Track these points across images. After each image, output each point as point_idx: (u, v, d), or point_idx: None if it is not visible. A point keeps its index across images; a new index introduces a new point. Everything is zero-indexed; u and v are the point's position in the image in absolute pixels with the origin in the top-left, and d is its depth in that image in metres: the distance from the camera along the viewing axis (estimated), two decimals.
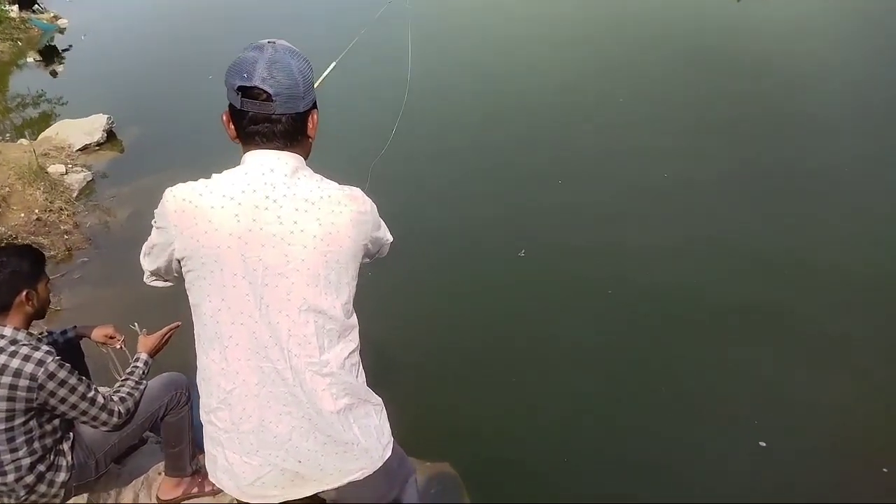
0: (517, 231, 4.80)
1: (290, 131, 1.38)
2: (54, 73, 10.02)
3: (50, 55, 10.73)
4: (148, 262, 1.52)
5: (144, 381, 2.40)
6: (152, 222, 1.45)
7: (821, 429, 3.25)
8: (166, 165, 6.06)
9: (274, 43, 1.36)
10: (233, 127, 1.40)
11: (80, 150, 6.54)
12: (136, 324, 2.71)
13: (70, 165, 6.11)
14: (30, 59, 10.57)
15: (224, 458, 1.47)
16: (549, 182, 5.39)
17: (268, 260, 1.33)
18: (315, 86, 1.45)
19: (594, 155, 5.78)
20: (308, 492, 1.46)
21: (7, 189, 5.22)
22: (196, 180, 1.40)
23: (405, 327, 3.93)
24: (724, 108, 6.39)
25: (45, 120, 7.91)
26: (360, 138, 5.09)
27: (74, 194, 5.68)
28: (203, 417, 1.51)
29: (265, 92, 1.32)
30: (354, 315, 1.48)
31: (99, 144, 6.67)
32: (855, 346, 3.65)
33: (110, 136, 6.85)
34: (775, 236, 4.57)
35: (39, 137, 6.68)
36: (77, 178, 5.88)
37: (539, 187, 5.33)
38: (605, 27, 8.89)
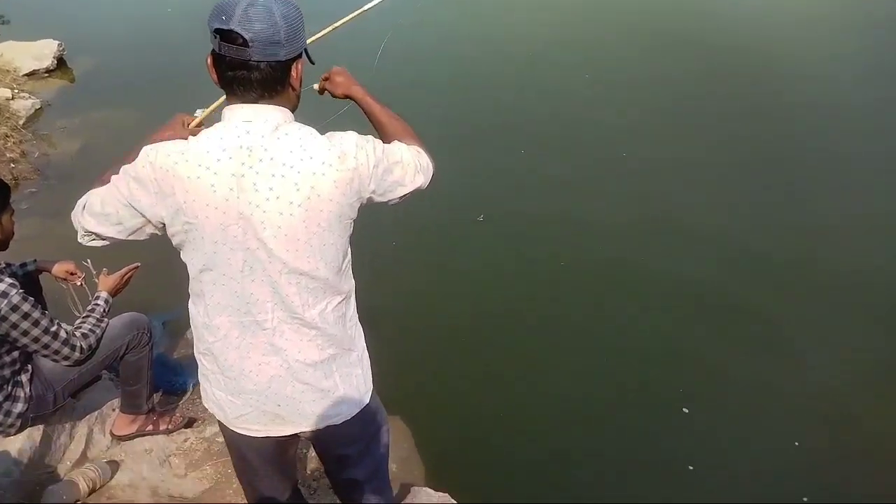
0: (477, 196, 4.89)
1: (268, 80, 1.31)
2: None
3: None
4: (94, 220, 1.43)
5: (106, 319, 2.41)
6: (114, 177, 1.39)
7: (749, 405, 3.48)
8: (119, 99, 5.88)
9: None
10: (214, 72, 1.35)
11: (27, 75, 6.22)
12: (88, 261, 2.70)
13: (16, 91, 5.82)
14: None
15: (212, 393, 1.55)
16: (512, 150, 5.48)
17: (245, 226, 1.32)
18: (309, 41, 1.40)
19: (557, 128, 5.88)
20: (289, 431, 1.54)
21: None
22: (174, 142, 1.35)
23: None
24: (690, 90, 6.53)
25: None
26: None
27: (21, 122, 5.44)
28: (195, 354, 1.57)
29: (241, 36, 1.25)
30: (345, 270, 1.47)
31: (48, 71, 6.35)
32: (798, 332, 3.89)
33: (60, 63, 6.53)
34: (728, 218, 4.78)
35: None
36: (24, 105, 5.61)
37: (501, 155, 5.42)
38: (579, 5, 8.91)
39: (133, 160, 1.38)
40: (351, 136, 1.39)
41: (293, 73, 1.36)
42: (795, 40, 7.72)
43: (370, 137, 1.43)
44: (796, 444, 3.27)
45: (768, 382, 3.58)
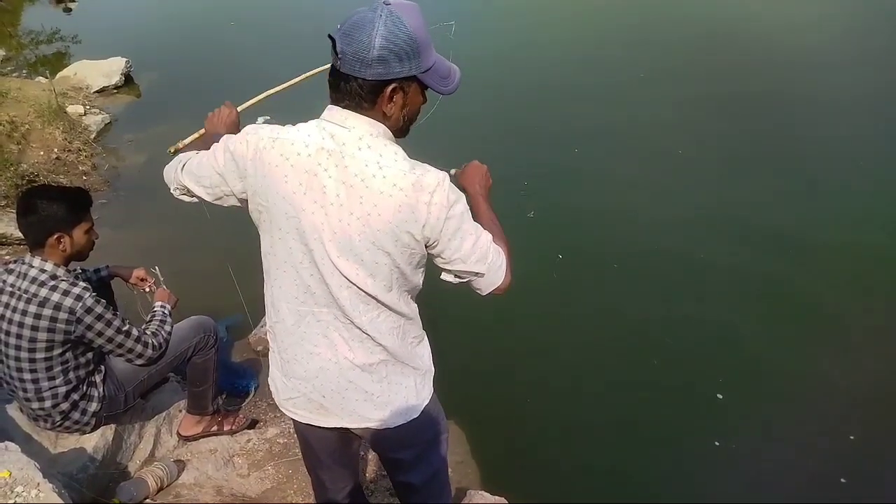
0: (528, 193, 4.88)
1: (353, 94, 1.32)
2: (68, 10, 9.89)
3: None
4: (189, 178, 1.53)
5: (169, 320, 2.50)
6: (216, 144, 1.47)
7: (795, 394, 3.44)
8: (183, 113, 6.06)
9: (389, 4, 1.28)
10: None
11: (97, 91, 6.54)
12: (156, 268, 2.82)
13: (88, 107, 6.13)
14: None
15: (272, 371, 1.62)
16: (566, 148, 5.46)
17: (306, 224, 1.35)
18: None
19: (612, 126, 5.82)
20: (332, 424, 1.56)
21: (27, 126, 5.26)
22: (273, 127, 1.41)
23: None
24: (742, 89, 6.41)
25: (61, 59, 7.86)
26: None
27: (92, 136, 5.72)
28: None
29: (336, 45, 1.29)
30: (402, 296, 1.46)
31: (116, 87, 6.66)
32: (841, 320, 3.86)
33: (128, 79, 6.84)
34: (779, 212, 4.71)
35: (57, 76, 6.67)
36: (95, 120, 5.90)
37: (555, 153, 5.40)
38: (632, 6, 8.82)
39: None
40: (439, 174, 1.34)
41: (383, 95, 1.32)
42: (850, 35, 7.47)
43: (461, 195, 1.37)
44: (851, 437, 3.17)
45: (820, 374, 3.52)
